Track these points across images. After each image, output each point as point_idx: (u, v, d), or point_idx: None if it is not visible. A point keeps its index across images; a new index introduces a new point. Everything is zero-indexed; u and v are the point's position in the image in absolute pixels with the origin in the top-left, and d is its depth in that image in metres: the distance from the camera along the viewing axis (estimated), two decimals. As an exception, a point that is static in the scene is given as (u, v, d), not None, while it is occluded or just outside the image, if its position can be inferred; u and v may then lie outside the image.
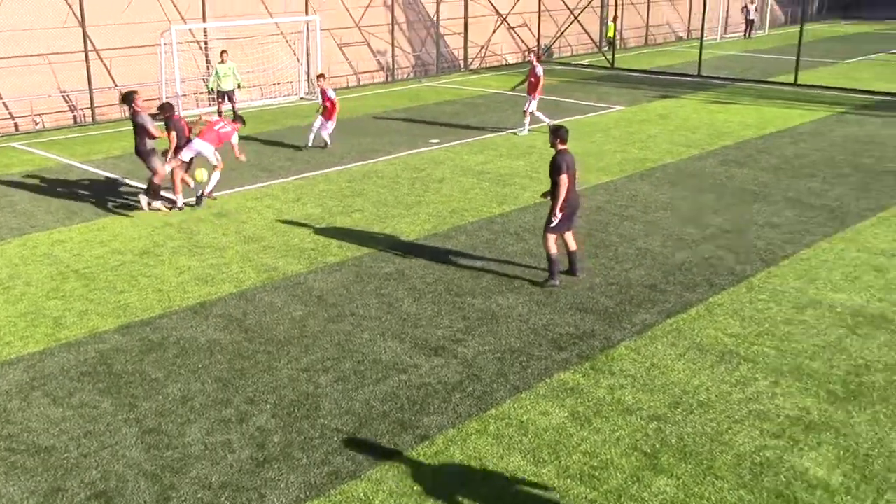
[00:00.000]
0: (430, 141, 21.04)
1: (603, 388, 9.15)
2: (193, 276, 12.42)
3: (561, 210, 11.42)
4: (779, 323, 10.71)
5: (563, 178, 11.27)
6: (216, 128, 15.85)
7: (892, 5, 54.48)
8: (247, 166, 18.13)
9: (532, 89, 21.57)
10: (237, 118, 16.66)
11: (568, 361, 9.76)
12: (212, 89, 23.39)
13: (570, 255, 12.16)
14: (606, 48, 36.96)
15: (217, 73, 22.80)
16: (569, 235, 11.99)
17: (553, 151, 11.53)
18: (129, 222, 14.97)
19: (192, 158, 15.72)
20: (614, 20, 38.98)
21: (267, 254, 13.30)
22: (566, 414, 8.66)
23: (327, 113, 19.70)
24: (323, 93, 19.77)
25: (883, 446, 8.08)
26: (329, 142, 20.05)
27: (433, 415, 8.66)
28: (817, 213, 15.02)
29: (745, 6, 44.82)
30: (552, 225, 11.54)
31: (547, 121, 21.08)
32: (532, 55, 22.72)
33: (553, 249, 11.71)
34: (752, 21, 44.63)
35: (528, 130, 21.82)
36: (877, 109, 24.84)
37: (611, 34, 38.53)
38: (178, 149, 15.43)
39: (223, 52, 23.13)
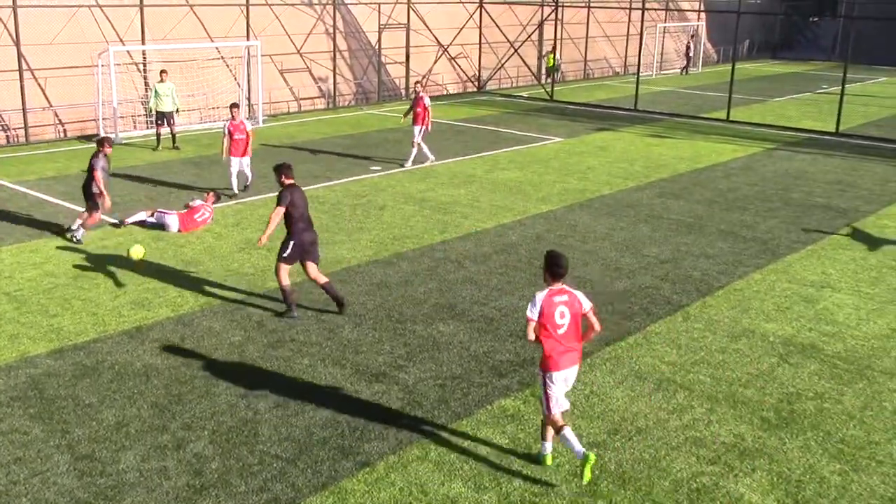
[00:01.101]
0: (372, 168, 21.07)
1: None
2: (129, 300, 12.19)
3: (292, 240, 11.51)
4: (714, 351, 10.93)
5: (279, 210, 11.38)
6: (195, 216, 15.66)
7: (818, 48, 56.51)
8: (185, 191, 17.91)
9: (419, 120, 21.08)
10: (213, 195, 16.52)
11: (508, 388, 9.81)
12: (151, 110, 23.09)
13: (325, 289, 11.79)
14: (547, 78, 37.68)
15: (156, 91, 22.51)
16: (312, 269, 11.66)
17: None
18: (63, 244, 14.64)
19: (141, 222, 15.53)
20: (552, 50, 39.68)
21: (206, 278, 13.13)
22: (507, 440, 8.70)
23: (240, 149, 17.88)
24: (238, 125, 17.80)
25: (814, 472, 8.29)
26: (250, 177, 18.43)
27: (374, 441, 8.62)
28: (750, 245, 15.42)
29: (688, 43, 46.08)
30: (283, 255, 11.55)
31: (431, 156, 21.31)
32: (419, 86, 21.97)
33: (285, 281, 11.57)
34: (691, 58, 45.88)
35: (412, 163, 21.41)
36: (805, 146, 25.67)
37: (550, 63, 39.19)
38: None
39: (163, 71, 22.89)
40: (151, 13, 26.50)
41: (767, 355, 10.87)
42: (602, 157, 23.29)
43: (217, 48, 28.00)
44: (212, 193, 16.66)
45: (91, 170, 14.50)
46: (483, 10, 36.57)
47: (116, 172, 20.08)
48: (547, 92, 35.22)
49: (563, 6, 36.56)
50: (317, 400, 9.41)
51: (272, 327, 11.36)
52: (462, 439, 8.69)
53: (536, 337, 7.81)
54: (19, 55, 22.88)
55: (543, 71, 39.22)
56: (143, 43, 25.97)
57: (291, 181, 11.74)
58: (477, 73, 37.38)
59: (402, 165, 21.14)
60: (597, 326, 7.99)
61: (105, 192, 14.51)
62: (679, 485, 8.02)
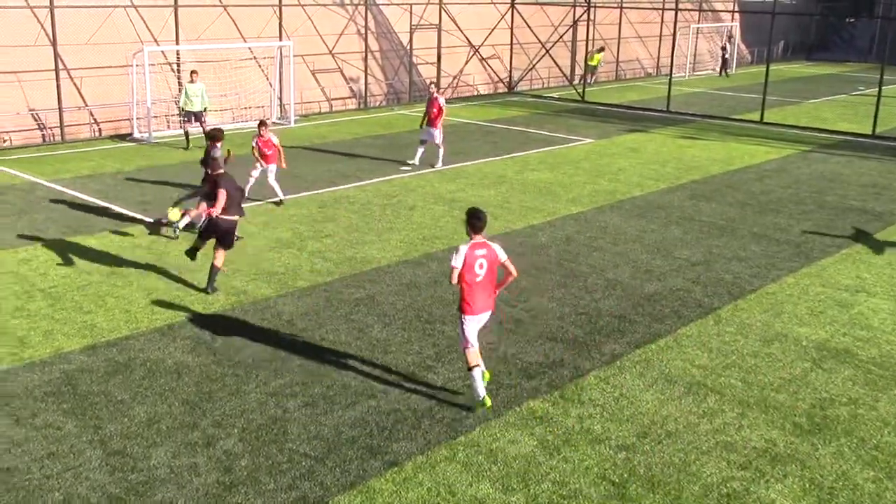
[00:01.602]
0: (402, 168, 21.11)
1: (572, 418, 9.18)
2: (161, 298, 12.31)
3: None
4: (745, 355, 10.82)
5: (221, 193, 12.31)
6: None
7: (854, 49, 55.80)
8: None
9: (436, 122, 20.83)
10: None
11: (537, 390, 9.78)
12: (182, 109, 23.32)
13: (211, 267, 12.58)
14: (590, 78, 38.02)
15: (186, 92, 22.73)
16: (219, 252, 12.52)
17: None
18: (97, 242, 14.82)
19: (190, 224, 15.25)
20: (601, 50, 39.62)
21: (236, 277, 13.22)
22: (535, 442, 8.67)
23: (269, 158, 17.40)
24: (266, 142, 17.33)
25: (847, 479, 8.18)
26: (281, 196, 17.64)
27: (402, 441, 8.63)
28: (783, 248, 15.26)
29: (724, 45, 45.70)
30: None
31: (416, 160, 21.06)
32: (433, 87, 21.80)
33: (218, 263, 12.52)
34: (727, 59, 45.51)
35: (441, 164, 21.27)
36: (840, 148, 25.35)
37: (595, 62, 39.08)
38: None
39: (193, 72, 23.08)
40: (185, 13, 26.75)
41: (800, 360, 10.74)
42: (633, 158, 23.15)
43: (250, 48, 28.20)
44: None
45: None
46: (515, 10, 36.50)
47: (150, 171, 20.31)
48: (578, 93, 35.08)
49: (595, 7, 36.38)
50: (345, 399, 9.45)
51: (302, 326, 11.42)
52: (490, 440, 8.68)
53: (458, 282, 8.91)
54: (56, 55, 23.19)
55: (584, 69, 38.93)
56: (177, 43, 26.21)
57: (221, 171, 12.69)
58: (508, 74, 37.32)
59: (433, 166, 21.14)
60: (513, 272, 9.13)
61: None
62: (709, 490, 7.95)
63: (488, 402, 9.10)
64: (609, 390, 9.81)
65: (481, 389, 9.05)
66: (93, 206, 17.21)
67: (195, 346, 10.72)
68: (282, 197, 17.45)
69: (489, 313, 9.22)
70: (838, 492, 7.97)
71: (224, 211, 12.38)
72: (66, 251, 14.29)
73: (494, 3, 36.81)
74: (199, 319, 11.58)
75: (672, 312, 12.18)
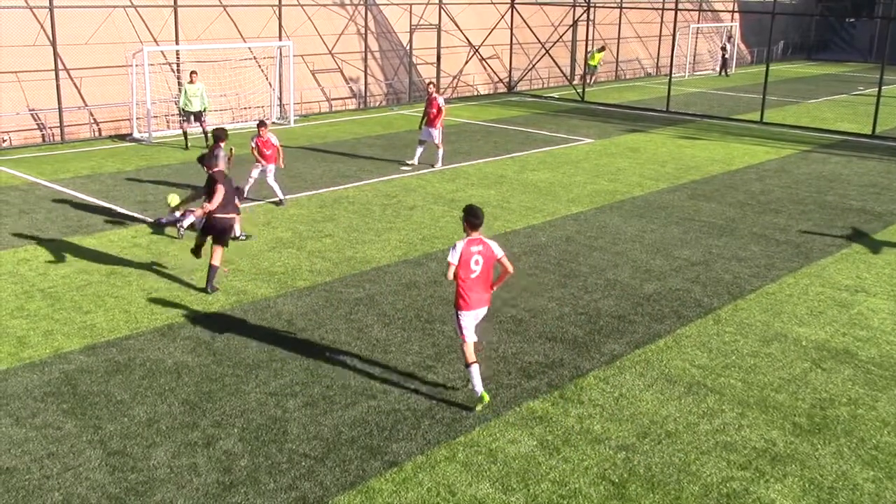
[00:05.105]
0: (402, 168, 21.11)
1: (572, 417, 9.18)
2: (161, 298, 12.30)
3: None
4: (745, 355, 10.83)
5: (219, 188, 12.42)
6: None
7: (854, 49, 55.82)
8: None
9: (435, 122, 20.81)
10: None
11: (537, 390, 9.78)
12: (182, 110, 23.31)
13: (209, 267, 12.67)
14: (590, 79, 38.38)
15: (185, 92, 22.71)
16: (217, 251, 12.58)
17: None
18: (96, 242, 14.82)
19: (191, 225, 15.21)
20: (602, 49, 39.64)
21: (236, 277, 13.22)
22: (535, 442, 8.67)
23: (269, 158, 17.26)
24: (266, 142, 17.19)
25: (847, 479, 8.18)
26: (281, 196, 17.51)
27: (402, 441, 8.63)
28: (782, 248, 15.26)
29: (724, 45, 45.71)
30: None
31: (416, 161, 21.07)
32: (432, 87, 21.66)
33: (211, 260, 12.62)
34: (727, 59, 45.52)
35: (441, 164, 21.29)
36: (840, 148, 25.35)
37: (594, 62, 39.08)
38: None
39: (192, 72, 23.07)
40: (185, 14, 26.76)
41: (800, 360, 10.74)
42: (633, 158, 23.16)
43: (250, 48, 28.20)
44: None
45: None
46: (514, 10, 36.51)
47: (149, 171, 20.30)
48: (578, 93, 35.09)
49: (595, 7, 36.37)
50: (345, 399, 9.44)
51: (302, 326, 11.41)
52: (490, 440, 8.68)
53: (454, 278, 9.02)
54: (55, 55, 23.19)
55: (584, 68, 38.99)
56: (177, 43, 26.21)
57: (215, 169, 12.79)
58: (508, 74, 37.31)
59: (433, 166, 21.14)
60: (510, 269, 9.21)
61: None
62: (709, 489, 7.95)
63: (486, 398, 9.21)
64: (609, 390, 9.81)
65: (479, 385, 9.17)
66: (92, 206, 17.21)
67: (195, 346, 10.71)
68: (281, 197, 17.42)
69: (485, 309, 9.35)
70: (838, 491, 7.97)
71: (220, 208, 12.40)
72: (65, 251, 14.29)
73: (494, 3, 36.81)
74: (199, 319, 11.57)
75: (672, 312, 12.18)
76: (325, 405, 9.31)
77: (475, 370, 9.15)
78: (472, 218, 9.05)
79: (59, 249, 14.38)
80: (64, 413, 9.02)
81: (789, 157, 23.89)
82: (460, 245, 9.00)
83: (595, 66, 39.41)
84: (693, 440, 8.78)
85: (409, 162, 21.28)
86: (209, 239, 12.71)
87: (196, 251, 12.86)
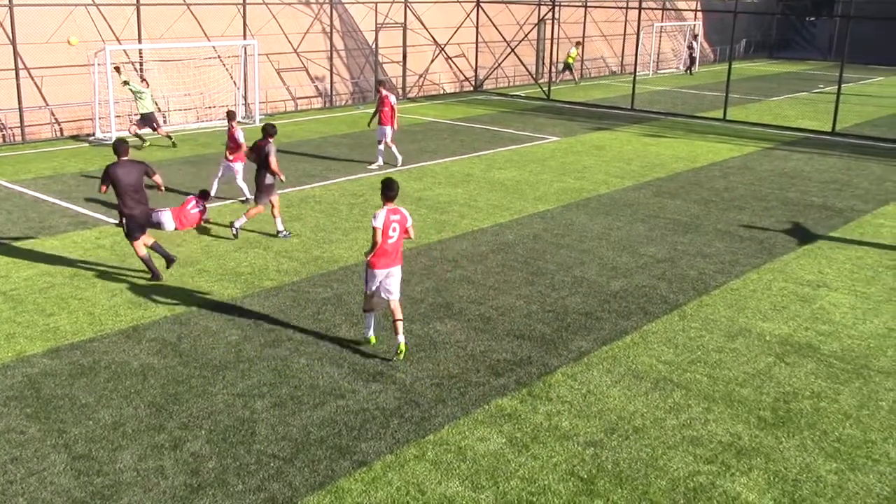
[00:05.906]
0: (369, 167, 21.06)
1: (540, 414, 9.22)
2: (126, 300, 12.18)
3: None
4: (710, 350, 10.95)
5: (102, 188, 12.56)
6: (188, 207, 15.53)
7: (815, 47, 56.60)
8: (182, 189, 17.91)
9: (386, 120, 20.72)
10: (203, 194, 16.11)
11: (506, 387, 9.82)
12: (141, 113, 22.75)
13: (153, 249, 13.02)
14: (563, 73, 39.25)
15: (132, 87, 22.26)
16: (145, 240, 12.84)
17: None
18: (59, 244, 14.63)
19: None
20: (578, 44, 39.92)
21: (202, 277, 13.12)
22: (504, 440, 8.70)
23: (235, 156, 17.11)
24: (231, 134, 17.05)
25: (810, 471, 8.30)
26: (247, 193, 17.26)
27: (371, 440, 8.62)
28: (746, 244, 15.44)
29: (691, 43, 46.11)
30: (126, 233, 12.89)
31: (380, 161, 21.12)
32: (382, 86, 21.32)
33: (141, 252, 12.84)
34: (695, 58, 45.94)
35: (383, 163, 21.24)
36: (802, 146, 25.69)
37: (571, 59, 39.33)
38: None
39: (142, 79, 22.86)
40: (148, 12, 26.48)
41: (764, 354, 10.88)
42: (599, 156, 23.30)
43: (214, 47, 27.96)
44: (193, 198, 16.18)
45: (266, 157, 14.66)
46: (480, 9, 36.56)
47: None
48: (544, 91, 35.23)
49: (560, 5, 36.53)
50: (314, 399, 9.41)
51: (269, 326, 11.35)
52: (459, 438, 8.70)
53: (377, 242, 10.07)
54: (15, 54, 22.82)
55: (562, 66, 39.43)
56: (140, 42, 25.93)
57: (123, 158, 12.59)
58: (474, 73, 37.37)
59: (394, 166, 21.04)
60: (412, 235, 10.49)
61: (279, 172, 15.05)
62: (676, 484, 8.03)
63: (373, 340, 10.70)
64: (577, 387, 9.87)
65: (370, 331, 10.69)
66: (55, 207, 16.98)
67: (160, 348, 10.61)
68: (248, 196, 17.30)
69: (398, 268, 10.42)
70: (802, 483, 8.09)
71: (134, 204, 12.55)
72: (27, 253, 14.08)
73: (460, 2, 36.84)
74: (165, 321, 11.47)
75: (638, 309, 12.28)
76: (293, 405, 9.27)
77: (370, 317, 10.62)
78: (387, 191, 10.25)
79: (20, 251, 14.17)
80: (27, 417, 8.90)
81: (752, 154, 24.18)
82: (382, 213, 10.10)
83: (571, 64, 39.67)
84: (660, 435, 8.86)
85: (375, 164, 21.23)
86: (146, 241, 12.82)
87: (154, 274, 12.95)
